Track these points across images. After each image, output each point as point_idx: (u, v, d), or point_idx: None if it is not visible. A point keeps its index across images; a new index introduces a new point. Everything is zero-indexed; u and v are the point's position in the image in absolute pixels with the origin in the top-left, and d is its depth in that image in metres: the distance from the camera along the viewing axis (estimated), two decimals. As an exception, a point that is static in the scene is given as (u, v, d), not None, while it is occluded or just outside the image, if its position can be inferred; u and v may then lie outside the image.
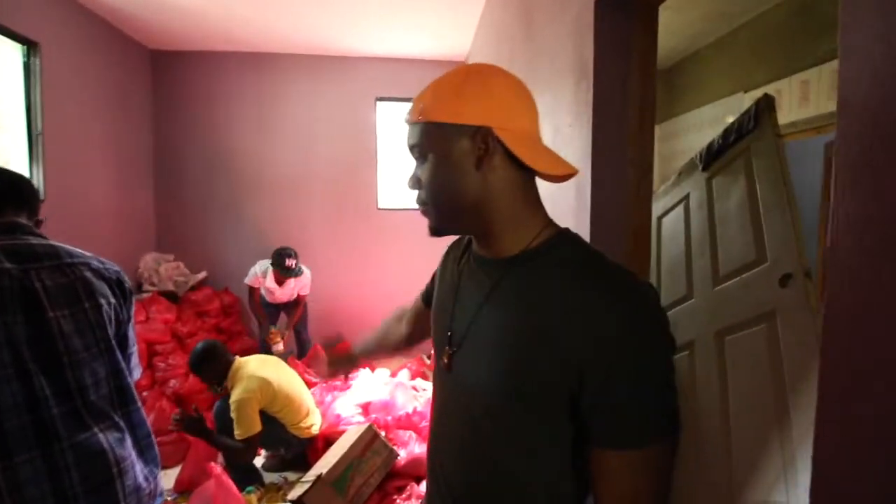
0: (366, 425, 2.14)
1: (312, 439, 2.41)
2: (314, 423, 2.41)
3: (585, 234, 1.28)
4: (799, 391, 1.21)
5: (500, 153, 0.56)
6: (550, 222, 0.62)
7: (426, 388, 2.93)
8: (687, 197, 2.15)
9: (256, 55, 3.79)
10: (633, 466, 0.50)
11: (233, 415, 2.08)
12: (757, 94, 3.16)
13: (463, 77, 0.58)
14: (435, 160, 0.58)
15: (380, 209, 4.04)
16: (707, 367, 1.57)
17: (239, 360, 2.26)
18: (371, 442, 2.06)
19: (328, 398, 2.81)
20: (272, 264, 3.23)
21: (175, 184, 3.81)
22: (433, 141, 0.58)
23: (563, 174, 0.59)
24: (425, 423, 2.46)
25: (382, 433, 2.18)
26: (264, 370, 2.22)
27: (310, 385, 2.79)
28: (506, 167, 0.57)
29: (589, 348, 0.50)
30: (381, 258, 4.05)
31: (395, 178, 4.12)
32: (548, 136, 1.66)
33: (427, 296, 0.92)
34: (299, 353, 3.52)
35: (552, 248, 0.58)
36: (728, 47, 3.41)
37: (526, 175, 0.59)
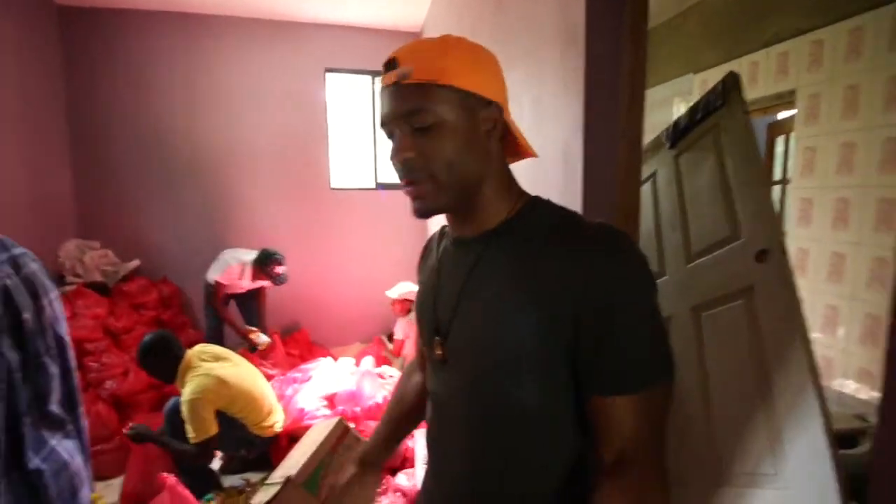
0: (335, 419, 2.01)
1: (275, 437, 2.25)
2: (277, 421, 2.25)
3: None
4: (782, 365, 1.24)
5: (499, 130, 0.58)
6: (523, 192, 0.63)
7: (392, 374, 2.83)
8: (654, 174, 2.16)
9: (188, 16, 3.37)
10: (636, 409, 0.50)
11: (184, 416, 1.89)
12: (706, 75, 3.27)
13: (474, 48, 0.57)
14: (448, 129, 0.54)
15: (333, 189, 3.82)
16: (684, 343, 1.60)
17: (191, 353, 2.04)
18: (342, 436, 1.94)
19: (289, 391, 2.64)
20: (257, 265, 2.99)
21: (98, 161, 3.35)
22: (449, 108, 0.53)
23: (532, 155, 0.64)
24: (396, 412, 2.37)
25: (353, 426, 2.07)
26: (221, 367, 2.02)
27: (268, 378, 2.61)
28: (498, 145, 0.60)
29: (580, 299, 0.50)
30: (336, 241, 3.85)
31: (348, 156, 3.90)
32: (526, 109, 1.57)
33: None
34: (253, 345, 3.28)
35: (529, 214, 0.59)
36: (678, 28, 3.47)
37: (504, 154, 0.62)
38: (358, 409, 2.35)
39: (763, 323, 1.36)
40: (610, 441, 0.51)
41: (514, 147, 0.63)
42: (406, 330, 3.14)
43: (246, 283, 3.07)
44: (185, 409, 1.89)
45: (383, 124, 0.58)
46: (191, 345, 2.16)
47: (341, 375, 2.69)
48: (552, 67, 1.36)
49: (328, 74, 3.72)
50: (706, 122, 1.86)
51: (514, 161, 0.65)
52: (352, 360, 3.00)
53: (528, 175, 1.54)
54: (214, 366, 2.05)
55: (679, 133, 2.01)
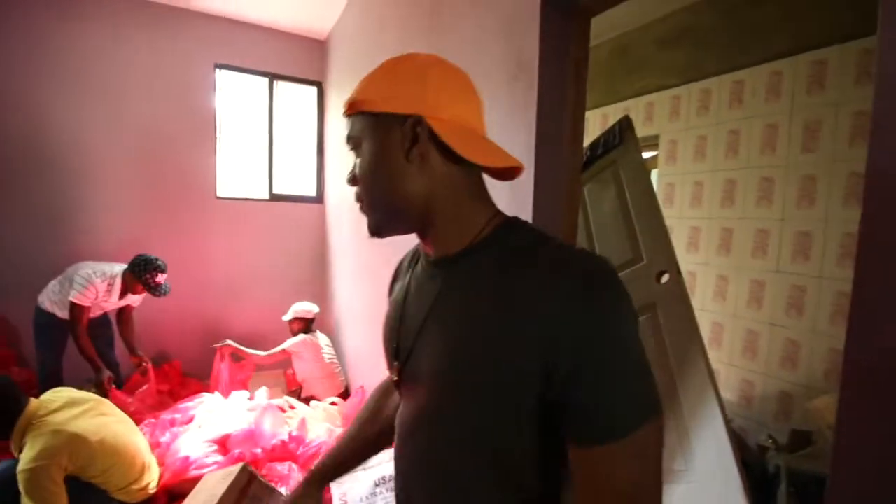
0: (236, 466, 1.74)
1: (149, 500, 1.85)
2: (152, 480, 1.85)
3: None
4: (685, 372, 1.43)
5: (434, 145, 0.54)
6: (497, 213, 0.58)
7: (295, 405, 2.57)
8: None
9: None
10: (622, 456, 0.44)
11: (21, 489, 1.44)
12: (590, 114, 3.73)
13: (394, 64, 0.56)
14: (367, 152, 0.56)
15: (219, 198, 3.38)
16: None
17: (35, 404, 1.58)
18: (247, 486, 1.68)
19: (165, 437, 2.21)
20: (131, 275, 2.46)
21: None
22: (365, 132, 0.56)
23: (505, 167, 0.56)
24: (304, 449, 2.15)
25: (259, 473, 1.81)
26: (78, 420, 1.60)
27: (137, 421, 2.15)
28: (444, 160, 0.55)
29: (551, 338, 0.44)
30: (220, 258, 3.40)
31: (240, 162, 3.51)
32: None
33: None
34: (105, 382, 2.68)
35: (497, 239, 0.55)
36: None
37: (468, 170, 0.56)
38: (259, 450, 2.07)
39: (666, 335, 1.56)
40: (601, 492, 0.44)
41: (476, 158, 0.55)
42: (306, 348, 2.88)
43: (113, 302, 2.53)
44: (22, 481, 1.45)
45: None
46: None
47: (234, 412, 2.34)
48: (497, 96, 1.39)
49: (220, 71, 3.32)
50: (606, 157, 2.09)
51: (499, 178, 0.61)
52: (245, 394, 2.64)
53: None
54: (66, 418, 1.61)
55: (582, 165, 2.23)
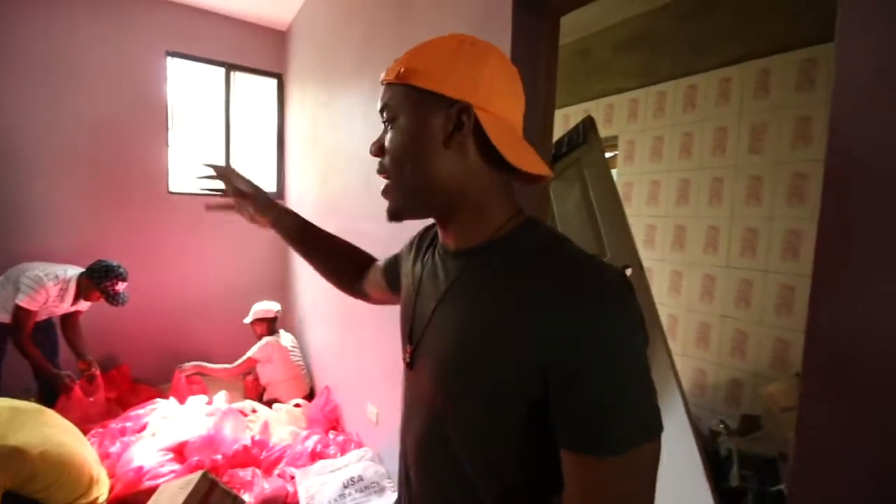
0: (197, 474, 1.66)
1: (99, 513, 1.73)
2: (101, 494, 1.73)
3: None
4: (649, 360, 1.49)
5: (474, 136, 0.53)
6: (520, 211, 0.58)
7: (258, 408, 2.47)
8: (527, 198, 2.41)
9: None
10: (612, 473, 0.44)
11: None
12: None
13: (455, 45, 0.53)
14: (403, 127, 0.54)
15: (171, 193, 3.20)
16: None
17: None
18: (208, 495, 1.60)
19: (115, 447, 2.07)
20: (88, 281, 2.29)
21: None
22: (406, 106, 0.54)
23: (538, 173, 0.55)
24: (268, 453, 2.07)
25: (220, 479, 1.73)
26: (17, 432, 1.47)
27: (84, 431, 2.00)
28: (479, 153, 0.54)
29: (554, 346, 0.45)
30: (171, 256, 3.22)
31: (195, 156, 3.33)
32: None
33: (389, 273, 0.83)
34: (45, 390, 2.47)
35: (516, 238, 0.54)
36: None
37: (500, 166, 0.54)
38: (219, 456, 1.97)
39: (631, 328, 1.61)
40: (586, 501, 0.45)
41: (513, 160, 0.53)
42: (271, 352, 2.77)
43: (65, 307, 2.34)
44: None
45: None
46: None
47: (191, 418, 2.23)
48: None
49: (172, 59, 3.13)
50: (571, 155, 2.14)
51: (524, 183, 0.59)
52: (203, 398, 2.52)
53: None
54: (4, 431, 1.48)
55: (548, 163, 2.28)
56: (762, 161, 2.46)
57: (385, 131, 0.57)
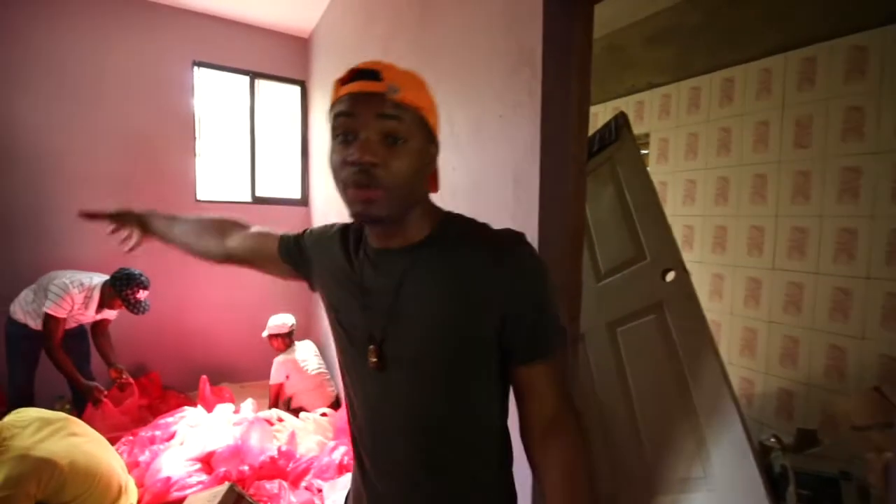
0: (223, 486, 1.63)
1: (127, 524, 1.72)
2: None
3: (532, 234, 1.18)
4: (698, 375, 1.37)
5: (433, 163, 0.66)
6: (439, 210, 0.69)
7: (284, 416, 2.45)
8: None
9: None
10: (555, 371, 0.64)
11: (-19, 523, 1.31)
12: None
13: (427, 88, 0.63)
14: (413, 150, 0.59)
15: (199, 202, 3.23)
16: (603, 358, 1.68)
17: (1, 425, 1.44)
18: (235, 508, 1.57)
19: (144, 456, 2.07)
20: (111, 289, 2.30)
21: None
22: (419, 133, 0.60)
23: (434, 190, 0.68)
24: (295, 465, 2.03)
25: (246, 493, 1.69)
26: (46, 442, 1.47)
27: (112, 441, 2.02)
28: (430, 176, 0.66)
29: (507, 293, 0.60)
30: (202, 264, 3.24)
31: (221, 164, 3.37)
32: (462, 128, 1.52)
33: (288, 248, 0.84)
34: (79, 397, 2.52)
35: (448, 228, 0.66)
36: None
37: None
38: (246, 467, 1.94)
39: (676, 335, 1.50)
40: (541, 402, 0.63)
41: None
42: (286, 370, 2.75)
43: (90, 315, 2.36)
44: (-17, 511, 1.31)
45: (348, 116, 0.58)
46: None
47: (218, 428, 2.21)
48: (496, 88, 1.32)
49: (199, 69, 3.18)
50: (601, 154, 2.04)
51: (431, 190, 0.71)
52: (230, 407, 2.51)
53: (469, 196, 1.49)
54: (33, 441, 1.48)
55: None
56: (809, 156, 2.30)
57: (380, 143, 0.57)
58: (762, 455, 2.13)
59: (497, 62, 1.32)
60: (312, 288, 0.82)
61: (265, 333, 2.89)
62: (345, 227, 0.76)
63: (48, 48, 2.71)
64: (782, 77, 2.41)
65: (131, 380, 2.58)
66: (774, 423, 2.39)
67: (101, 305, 2.36)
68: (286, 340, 2.86)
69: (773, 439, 2.09)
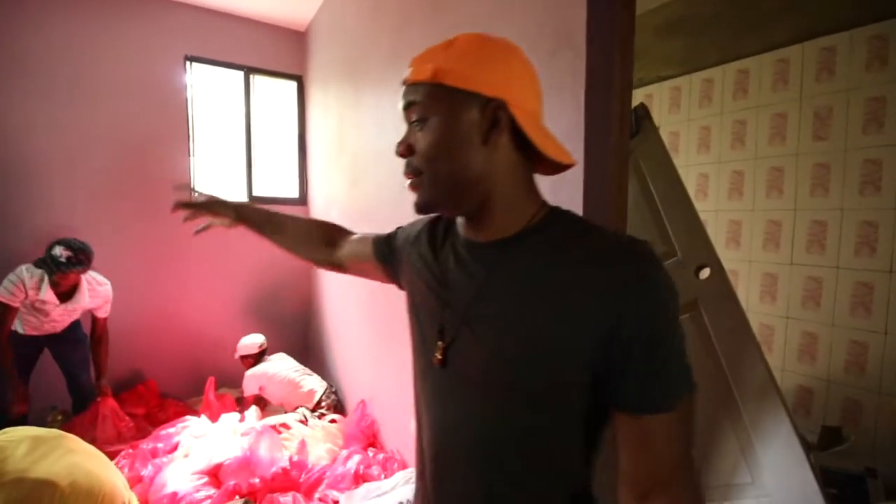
0: (239, 503, 1.53)
1: (131, 544, 1.61)
2: (134, 520, 1.61)
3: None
4: (740, 375, 1.31)
5: (508, 131, 0.54)
6: (545, 202, 0.60)
7: (293, 426, 2.34)
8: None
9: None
10: (670, 426, 0.49)
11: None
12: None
13: (481, 43, 0.55)
14: (438, 126, 0.54)
15: (195, 202, 3.10)
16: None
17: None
18: (250, 526, 1.47)
19: (146, 470, 1.96)
20: (51, 265, 2.08)
21: None
22: (440, 105, 0.54)
23: (566, 163, 0.57)
24: (308, 475, 1.94)
25: (260, 507, 1.60)
26: (42, 462, 1.35)
27: (111, 455, 1.90)
28: (510, 147, 0.55)
29: (613, 315, 0.48)
30: (199, 266, 3.12)
31: (216, 162, 3.24)
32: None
33: (381, 250, 0.82)
34: (77, 407, 2.39)
35: (551, 224, 0.56)
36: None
37: (528, 160, 0.58)
38: (257, 480, 1.84)
39: (714, 335, 1.44)
40: (643, 462, 0.50)
41: (540, 153, 0.57)
42: (258, 382, 2.67)
43: (48, 300, 2.13)
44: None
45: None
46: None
47: (223, 438, 2.10)
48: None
49: (191, 64, 3.04)
50: (623, 147, 1.97)
51: (548, 173, 0.61)
52: (235, 416, 2.40)
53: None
54: (29, 463, 1.36)
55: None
56: (829, 148, 2.26)
57: (411, 131, 0.57)
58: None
59: (534, 44, 1.24)
60: (401, 287, 0.76)
61: (236, 355, 2.81)
62: (437, 217, 0.72)
63: (34, 44, 2.55)
64: (800, 68, 2.36)
65: (107, 398, 2.38)
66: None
67: (53, 286, 2.13)
68: (257, 359, 2.80)
69: (799, 438, 2.04)
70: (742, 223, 2.61)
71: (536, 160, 0.58)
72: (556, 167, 0.59)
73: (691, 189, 2.87)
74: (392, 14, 2.08)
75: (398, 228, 0.81)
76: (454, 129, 0.53)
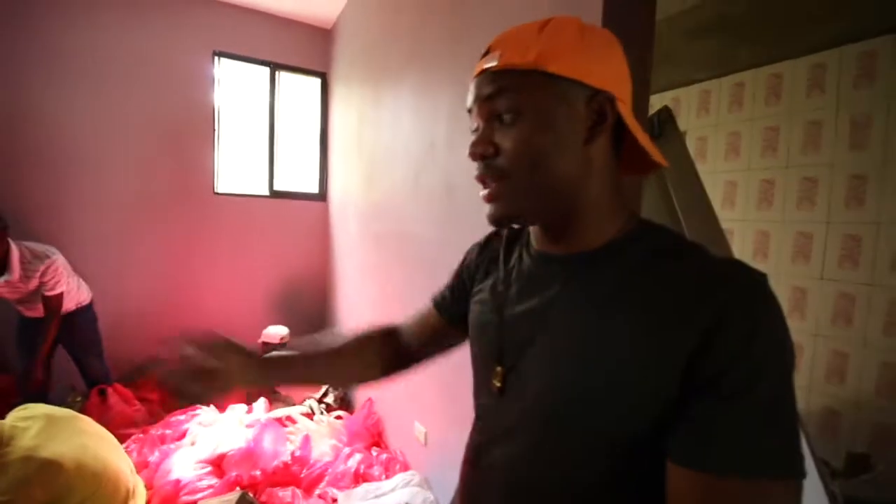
0: (235, 494, 1.54)
1: (135, 528, 1.64)
2: (138, 505, 1.64)
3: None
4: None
5: (608, 129, 0.48)
6: (633, 212, 0.52)
7: (299, 420, 2.35)
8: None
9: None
10: (741, 499, 0.37)
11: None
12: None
13: (583, 29, 0.47)
14: (538, 121, 0.46)
15: (217, 194, 3.17)
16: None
17: (4, 424, 1.37)
18: (247, 518, 1.48)
19: (153, 456, 2.00)
20: None
21: None
22: (539, 96, 0.46)
23: (663, 165, 0.51)
24: (309, 471, 1.94)
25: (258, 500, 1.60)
26: (52, 442, 1.39)
27: (122, 438, 1.95)
28: (607, 147, 0.49)
29: (702, 352, 0.39)
30: (218, 257, 3.19)
31: (240, 157, 3.30)
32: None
33: (445, 305, 0.71)
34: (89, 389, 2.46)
35: (640, 239, 0.49)
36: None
37: (617, 163, 0.51)
38: (258, 472, 1.85)
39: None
40: None
41: (631, 155, 0.51)
42: None
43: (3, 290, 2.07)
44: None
45: (469, 111, 0.51)
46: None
47: (230, 429, 2.13)
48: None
49: (219, 60, 3.11)
50: (643, 151, 1.90)
51: (628, 175, 0.54)
52: (243, 408, 2.42)
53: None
54: (39, 441, 1.40)
55: (616, 160, 2.05)
56: (866, 158, 2.13)
57: (490, 127, 0.49)
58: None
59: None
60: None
61: (259, 340, 2.85)
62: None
63: (66, 40, 2.65)
64: (837, 73, 2.24)
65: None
66: (818, 445, 2.23)
67: (19, 272, 2.03)
68: (276, 350, 2.81)
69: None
70: (770, 234, 2.49)
71: (623, 164, 0.52)
72: (636, 170, 0.53)
73: (718, 197, 2.76)
74: (410, 13, 2.07)
75: (459, 268, 0.71)
76: (558, 124, 0.46)
